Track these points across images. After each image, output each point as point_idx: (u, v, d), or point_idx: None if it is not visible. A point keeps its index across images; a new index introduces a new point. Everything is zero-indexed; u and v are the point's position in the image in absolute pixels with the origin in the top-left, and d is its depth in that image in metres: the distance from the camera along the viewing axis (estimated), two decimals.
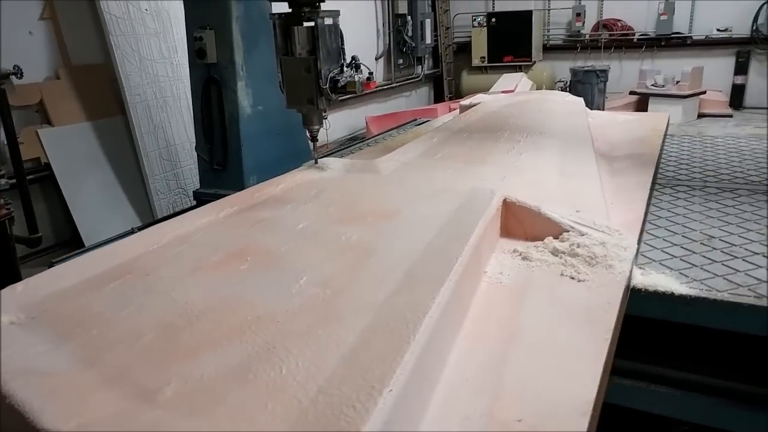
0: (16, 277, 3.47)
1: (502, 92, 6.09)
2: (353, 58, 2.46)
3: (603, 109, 8.41)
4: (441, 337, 1.05)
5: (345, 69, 2.42)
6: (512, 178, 2.15)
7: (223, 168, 3.66)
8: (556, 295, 1.39)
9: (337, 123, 9.21)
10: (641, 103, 9.24)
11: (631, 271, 1.53)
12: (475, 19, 11.19)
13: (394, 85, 10.46)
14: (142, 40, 4.74)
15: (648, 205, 2.18)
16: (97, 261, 1.65)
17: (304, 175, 2.50)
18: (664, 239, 1.93)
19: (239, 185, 3.51)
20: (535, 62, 10.88)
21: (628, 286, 1.52)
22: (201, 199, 3.81)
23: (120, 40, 4.55)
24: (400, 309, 1.06)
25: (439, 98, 12.12)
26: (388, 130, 4.73)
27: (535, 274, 1.51)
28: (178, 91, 4.98)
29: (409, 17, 10.30)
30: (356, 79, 2.39)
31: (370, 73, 2.51)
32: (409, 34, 10.38)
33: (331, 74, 2.38)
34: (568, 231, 1.66)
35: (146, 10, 4.76)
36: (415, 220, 1.70)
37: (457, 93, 11.66)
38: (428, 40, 10.93)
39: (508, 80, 7.55)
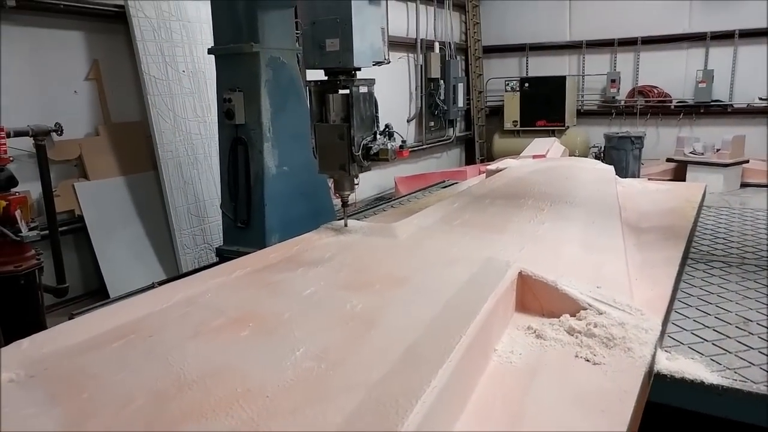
0: (41, 326, 3.53)
1: (534, 157, 6.10)
2: (387, 125, 2.51)
3: (638, 176, 8.32)
4: (435, 422, 1.00)
5: (378, 136, 2.47)
6: (531, 249, 2.11)
7: (246, 226, 3.72)
8: (569, 378, 1.33)
9: (366, 182, 9.36)
10: (679, 171, 9.10)
11: (653, 356, 1.45)
12: (508, 84, 11.42)
13: (424, 146, 10.63)
14: (178, 99, 4.99)
15: (677, 282, 2.10)
16: (105, 319, 1.67)
17: (322, 236, 2.51)
18: (694, 320, 1.84)
19: (261, 244, 3.54)
20: (568, 127, 10.94)
21: (650, 372, 1.44)
22: (223, 255, 3.86)
23: (156, 100, 4.80)
24: (394, 391, 1.03)
25: (470, 160, 12.24)
26: (416, 191, 4.78)
27: (549, 355, 1.44)
28: (209, 148, 5.17)
29: (441, 81, 10.59)
30: (389, 146, 2.43)
31: (403, 141, 2.55)
32: (441, 97, 10.63)
33: (364, 141, 2.43)
34: (585, 309, 1.60)
35: (184, 71, 5.03)
36: (424, 289, 1.67)
37: (488, 156, 11.75)
38: (460, 103, 11.16)
39: (539, 144, 7.59)
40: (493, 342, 1.48)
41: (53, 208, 3.76)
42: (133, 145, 4.90)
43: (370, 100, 2.44)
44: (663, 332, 1.63)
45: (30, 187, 4.17)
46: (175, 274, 4.61)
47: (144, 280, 4.36)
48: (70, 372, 1.34)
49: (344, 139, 2.40)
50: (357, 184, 2.60)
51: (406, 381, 1.06)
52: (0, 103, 3.32)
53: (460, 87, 11.07)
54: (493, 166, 4.54)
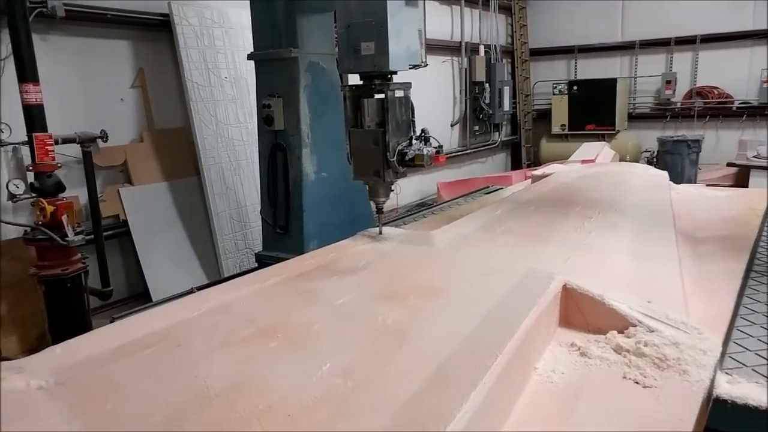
0: (87, 328, 3.64)
1: (582, 162, 5.90)
2: (423, 131, 2.46)
3: (695, 182, 7.93)
4: None
5: (414, 141, 2.42)
6: (577, 260, 2.00)
7: (285, 232, 3.73)
8: (616, 401, 1.23)
9: (408, 188, 9.30)
10: (741, 176, 8.63)
11: (712, 380, 1.33)
12: (555, 87, 11.15)
13: (468, 151, 10.49)
14: (220, 105, 5.08)
15: (739, 297, 1.94)
16: (137, 326, 1.68)
17: (358, 244, 2.48)
18: (759, 339, 1.69)
19: (299, 249, 3.55)
20: (619, 131, 10.58)
21: (708, 397, 1.33)
22: (262, 261, 3.89)
23: (199, 106, 4.90)
24: (422, 414, 0.97)
25: (516, 165, 12.01)
26: (458, 197, 4.70)
27: (593, 375, 1.35)
28: (251, 154, 5.24)
29: (486, 84, 10.44)
30: (425, 152, 2.38)
31: (440, 146, 2.49)
32: (486, 101, 10.48)
33: (400, 147, 2.38)
34: (635, 325, 1.50)
35: (226, 77, 5.12)
36: (460, 302, 1.60)
37: (535, 160, 11.50)
38: (506, 107, 10.97)
39: (588, 149, 7.33)
40: (534, 360, 1.40)
41: (99, 213, 3.87)
42: (176, 151, 5.02)
43: (406, 104, 2.39)
44: (723, 353, 1.51)
45: (77, 193, 4.33)
46: (217, 279, 4.69)
47: (186, 284, 4.45)
48: (97, 380, 1.33)
49: (379, 144, 2.36)
50: (393, 190, 2.56)
51: (435, 403, 1.00)
52: (43, 112, 3.44)
53: (506, 90, 10.88)
54: (539, 171, 4.40)
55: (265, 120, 3.58)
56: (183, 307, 1.83)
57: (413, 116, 2.45)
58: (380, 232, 2.53)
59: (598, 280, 1.76)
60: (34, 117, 3.35)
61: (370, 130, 2.37)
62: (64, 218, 3.34)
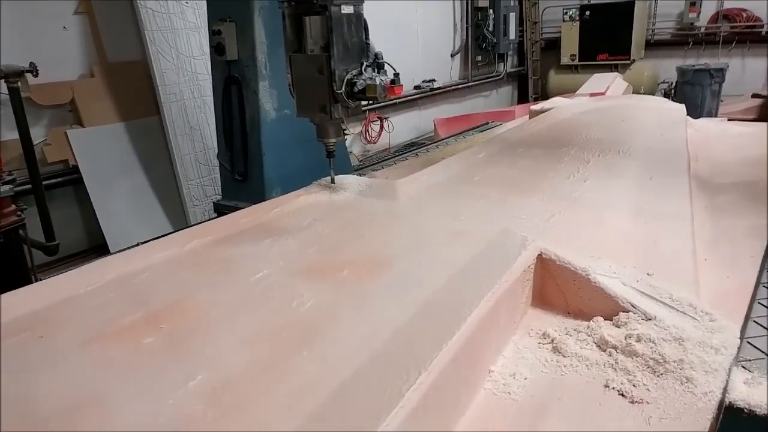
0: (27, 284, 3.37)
1: (591, 95, 5.44)
2: (376, 55, 2.09)
3: (716, 116, 7.45)
4: None
5: (366, 70, 2.05)
6: (563, 218, 1.67)
7: (243, 179, 3.39)
8: (592, 423, 0.93)
9: (404, 124, 8.85)
10: (766, 109, 8.12)
11: (725, 387, 1.03)
12: (566, 13, 10.41)
13: (470, 84, 9.94)
14: (181, 35, 4.61)
15: (764, 264, 1.61)
16: (15, 303, 1.39)
17: (311, 196, 2.17)
18: None
19: (260, 198, 3.22)
20: (634, 60, 9.94)
21: (720, 406, 1.02)
22: (221, 212, 3.57)
23: (156, 36, 4.44)
24: None
25: (523, 99, 11.45)
26: (453, 135, 4.31)
27: (566, 383, 1.04)
28: None
29: (490, 10, 9.75)
30: (378, 82, 2.01)
31: (396, 75, 2.12)
32: (490, 28, 9.82)
33: (348, 76, 2.03)
34: (627, 311, 1.18)
35: (187, 3, 4.63)
36: (403, 279, 1.28)
37: (543, 94, 10.93)
38: (512, 35, 10.31)
39: (599, 81, 6.82)
40: (488, 361, 1.09)
41: (34, 159, 3.52)
42: (133, 87, 4.59)
43: (357, 23, 2.00)
44: (741, 340, 1.19)
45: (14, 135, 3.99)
46: (183, 227, 4.39)
47: (148, 235, 4.16)
48: None
49: (323, 73, 1.99)
50: (346, 131, 2.22)
51: None
52: None
53: (512, 17, 10.19)
54: (537, 106, 3.99)
55: (215, 49, 3.17)
56: (76, 279, 1.54)
57: (367, 38, 2.06)
58: (333, 181, 2.23)
59: (586, 245, 1.44)
60: None
61: (313, 55, 2.01)
62: None
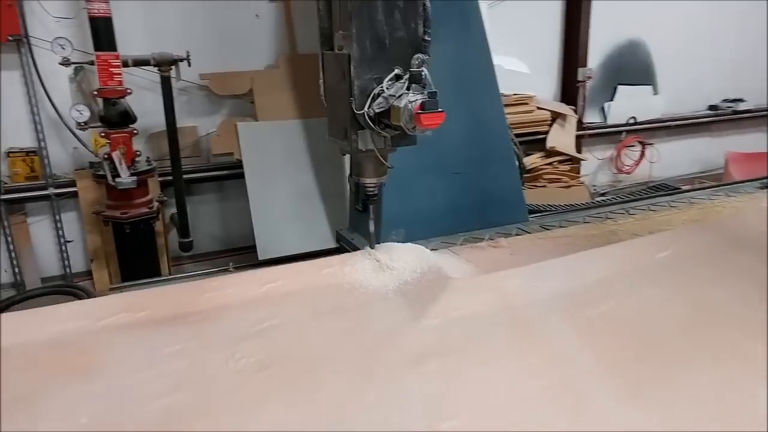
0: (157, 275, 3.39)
1: None
2: (418, 57, 1.41)
3: None
4: None
5: (398, 82, 1.41)
6: None
7: (363, 209, 2.86)
8: None
9: (685, 152, 7.20)
10: None
11: None
12: None
13: None
14: None
15: None
16: None
17: (331, 270, 1.56)
18: None
19: (377, 238, 2.67)
20: None
21: None
22: (339, 243, 3.11)
23: None
24: None
25: None
26: (750, 180, 3.18)
27: None
28: None
29: None
30: (403, 103, 1.35)
31: (431, 93, 1.40)
32: None
33: (377, 89, 1.41)
34: None
35: None
36: None
37: None
38: None
39: None
40: None
41: (177, 151, 3.53)
42: (317, 83, 4.40)
43: (408, 6, 1.39)
44: None
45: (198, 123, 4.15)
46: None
47: (302, 247, 3.93)
48: None
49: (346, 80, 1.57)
50: (389, 165, 1.60)
51: None
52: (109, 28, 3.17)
53: None
54: None
55: None
56: None
57: (425, 31, 1.41)
58: (371, 246, 1.64)
59: None
60: (100, 32, 3.06)
61: (339, 54, 1.61)
62: (115, 155, 3.05)
